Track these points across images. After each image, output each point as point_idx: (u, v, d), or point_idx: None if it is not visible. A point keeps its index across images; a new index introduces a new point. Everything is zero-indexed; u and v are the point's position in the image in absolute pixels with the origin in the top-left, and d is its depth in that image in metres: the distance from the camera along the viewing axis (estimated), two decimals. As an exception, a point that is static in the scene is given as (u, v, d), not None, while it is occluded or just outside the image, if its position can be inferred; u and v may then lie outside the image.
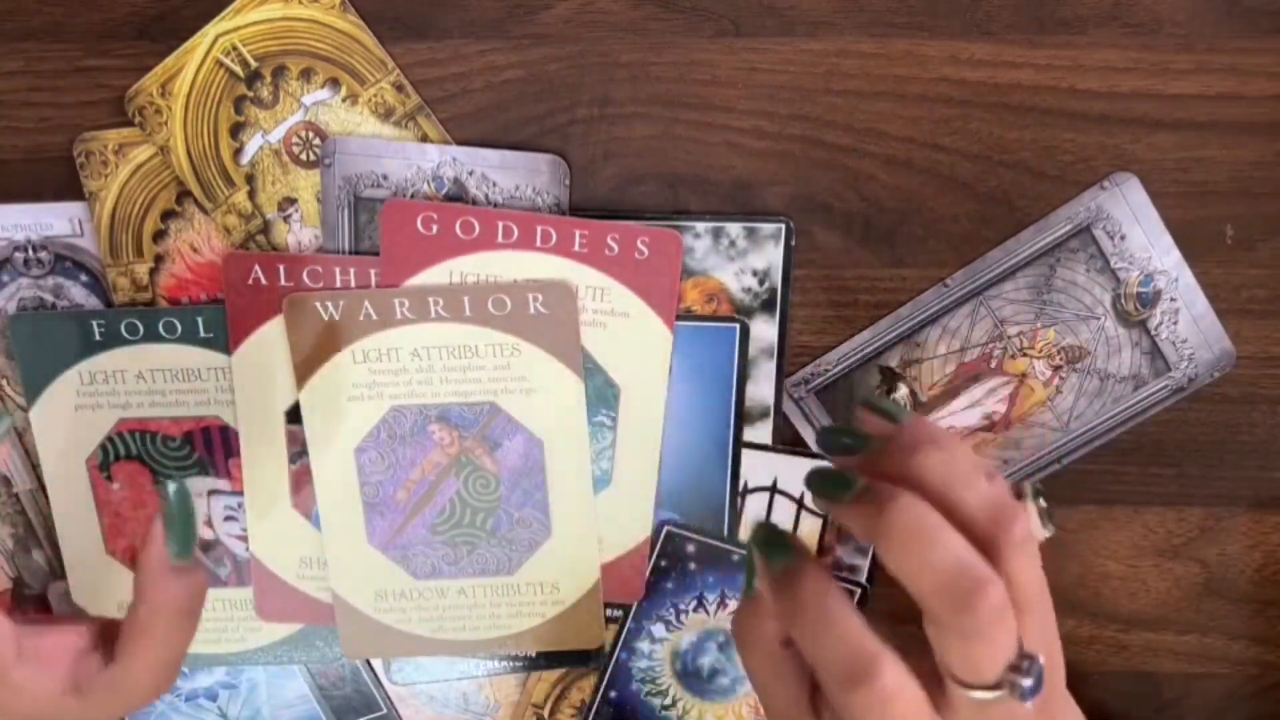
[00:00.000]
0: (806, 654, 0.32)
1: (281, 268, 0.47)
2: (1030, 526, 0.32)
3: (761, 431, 0.49)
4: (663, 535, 0.50)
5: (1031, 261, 0.48)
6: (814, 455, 0.49)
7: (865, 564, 0.50)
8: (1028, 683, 0.30)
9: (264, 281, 0.47)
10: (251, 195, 0.47)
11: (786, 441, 0.50)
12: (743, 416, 0.49)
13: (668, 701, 0.52)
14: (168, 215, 0.47)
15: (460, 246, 0.46)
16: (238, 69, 0.46)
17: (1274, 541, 0.51)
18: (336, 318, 0.46)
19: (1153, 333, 0.49)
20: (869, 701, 0.30)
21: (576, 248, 0.46)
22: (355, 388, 0.47)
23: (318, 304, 0.46)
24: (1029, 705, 0.30)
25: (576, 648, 0.51)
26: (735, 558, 0.50)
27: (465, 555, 0.49)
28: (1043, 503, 0.34)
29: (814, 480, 0.33)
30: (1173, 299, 0.48)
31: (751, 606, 0.34)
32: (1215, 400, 0.50)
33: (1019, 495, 0.33)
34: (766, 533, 0.33)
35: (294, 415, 0.48)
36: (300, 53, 0.46)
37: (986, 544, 0.30)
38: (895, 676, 0.30)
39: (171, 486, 0.37)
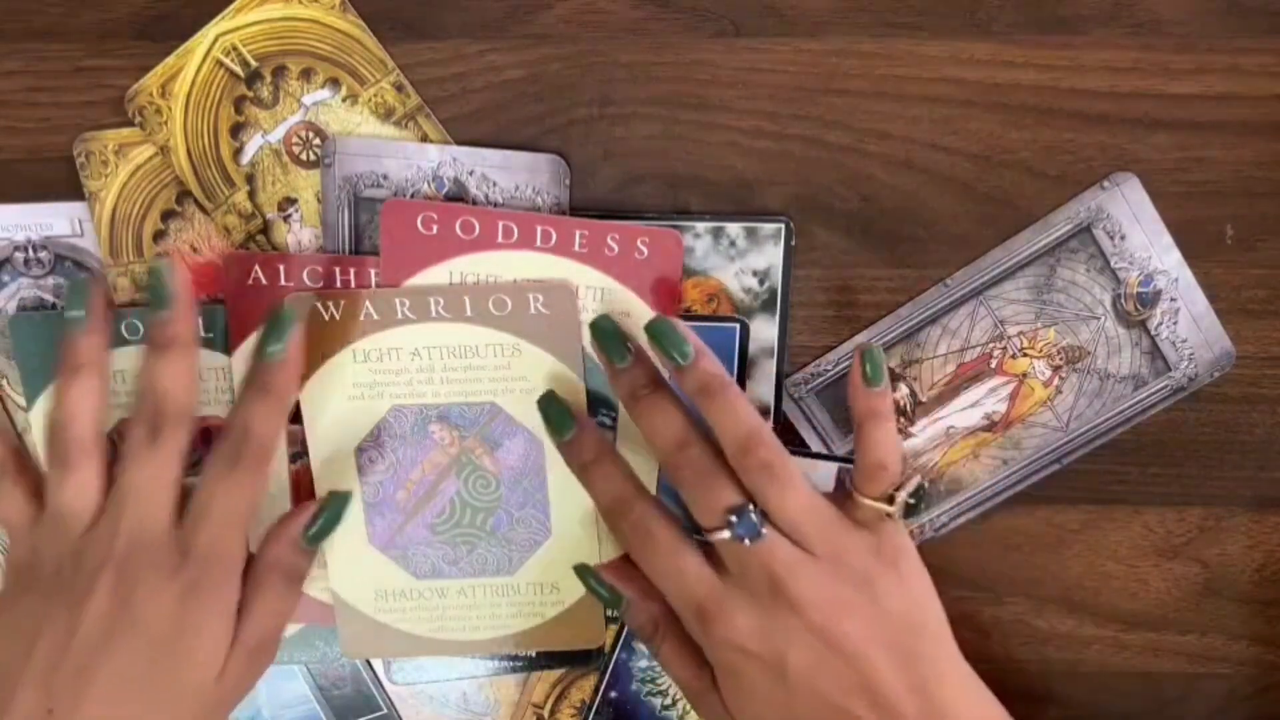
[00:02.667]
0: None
1: (281, 268, 0.47)
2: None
3: (761, 431, 0.49)
4: (663, 535, 0.50)
5: (1031, 261, 0.48)
6: (814, 455, 0.49)
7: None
8: (736, 519, 0.41)
9: (264, 281, 0.47)
10: (251, 195, 0.47)
11: (786, 441, 0.50)
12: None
13: (668, 701, 0.52)
14: (168, 215, 0.47)
15: (460, 246, 0.46)
16: (238, 69, 0.46)
17: (1274, 541, 0.51)
18: (337, 317, 0.46)
19: (1153, 333, 0.49)
20: (630, 527, 0.43)
21: (576, 247, 0.46)
22: (356, 387, 0.47)
23: (318, 304, 0.46)
24: (747, 544, 0.40)
25: (576, 648, 0.51)
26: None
27: (465, 555, 0.49)
28: (908, 499, 0.43)
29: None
30: (1173, 299, 0.48)
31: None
32: (1215, 400, 0.50)
33: (898, 486, 0.43)
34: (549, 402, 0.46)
35: (294, 415, 0.48)
36: (300, 53, 0.46)
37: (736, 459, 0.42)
38: (644, 509, 0.43)
39: (339, 496, 0.46)
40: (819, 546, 0.41)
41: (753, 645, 0.41)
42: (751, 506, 0.41)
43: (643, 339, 0.44)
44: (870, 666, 0.40)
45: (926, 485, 0.42)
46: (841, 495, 0.43)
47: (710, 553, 0.42)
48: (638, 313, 0.47)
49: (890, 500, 0.42)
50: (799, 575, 0.40)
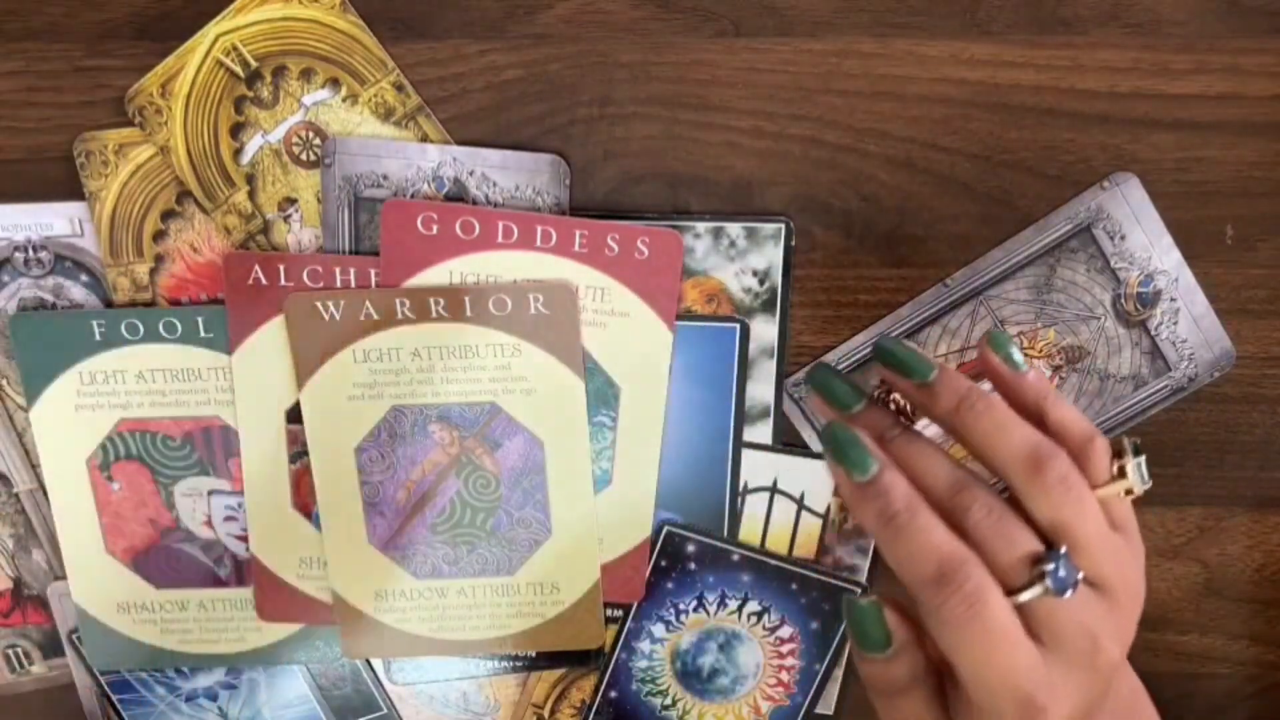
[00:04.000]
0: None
1: (281, 268, 0.47)
2: (1104, 467, 0.35)
3: (761, 431, 0.49)
4: (663, 535, 0.50)
5: (1031, 261, 0.48)
6: (814, 455, 0.49)
7: (865, 564, 0.50)
8: (1051, 567, 0.32)
9: (264, 281, 0.47)
10: (251, 195, 0.47)
11: (786, 441, 0.50)
12: (743, 416, 0.49)
13: (668, 701, 0.52)
14: (168, 215, 0.47)
15: (460, 246, 0.46)
16: (238, 69, 0.46)
17: (1274, 541, 0.51)
18: (337, 317, 0.46)
19: (1153, 333, 0.49)
20: (962, 601, 0.32)
21: (577, 248, 0.46)
22: (356, 387, 0.47)
23: (318, 304, 0.46)
24: (1068, 595, 0.32)
25: (576, 648, 0.51)
26: (735, 557, 0.50)
27: (465, 555, 0.49)
28: (1143, 459, 0.35)
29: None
30: (1173, 299, 0.48)
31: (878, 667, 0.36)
32: (1215, 400, 0.50)
33: (1118, 452, 0.35)
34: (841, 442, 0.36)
35: (294, 415, 0.48)
36: (300, 53, 0.46)
37: (1024, 479, 0.34)
38: (981, 576, 0.33)
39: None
40: (1114, 577, 0.34)
41: None
42: (1064, 551, 0.33)
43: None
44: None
45: (1138, 440, 0.35)
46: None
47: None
48: (637, 313, 0.47)
49: (1122, 472, 0.34)
50: (1109, 627, 0.33)
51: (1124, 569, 0.34)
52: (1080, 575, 0.33)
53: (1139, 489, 0.35)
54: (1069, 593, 0.32)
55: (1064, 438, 0.35)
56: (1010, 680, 0.32)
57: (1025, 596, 0.32)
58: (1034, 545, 0.33)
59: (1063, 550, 0.33)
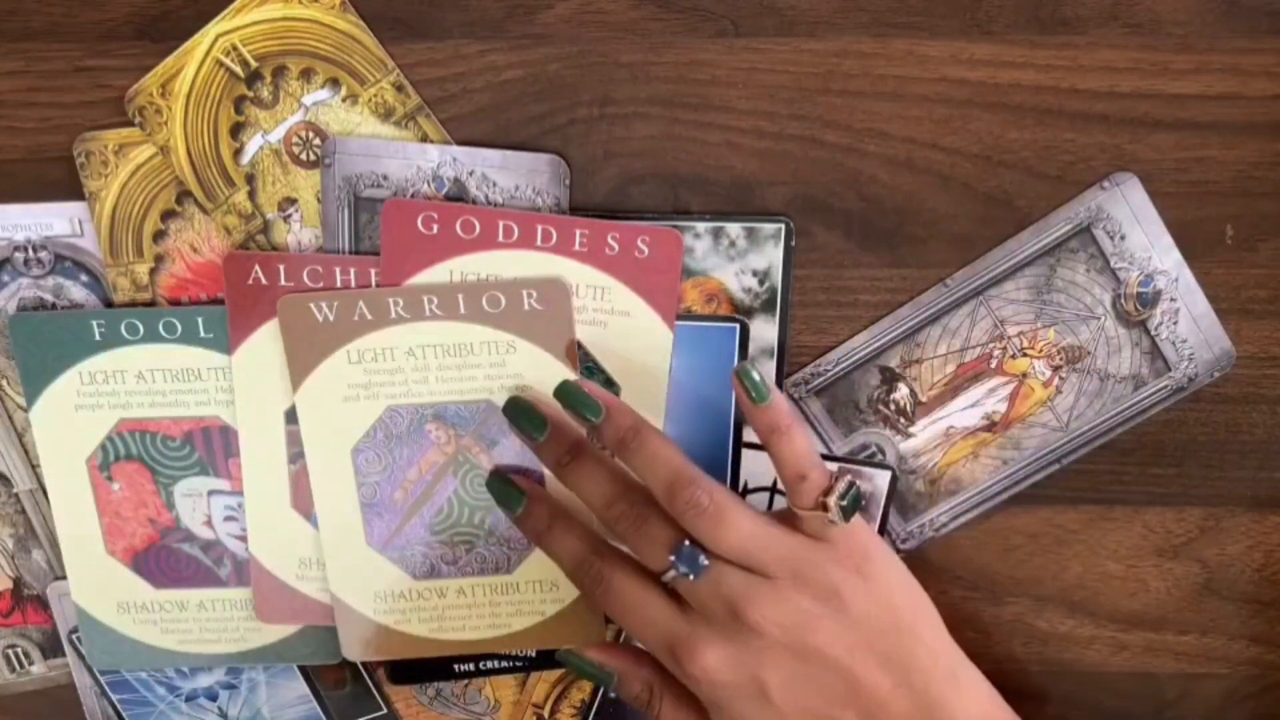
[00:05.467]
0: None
1: (281, 268, 0.47)
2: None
3: (761, 431, 0.49)
4: (662, 535, 0.50)
5: (1031, 261, 0.48)
6: (814, 455, 0.50)
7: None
8: (674, 559, 0.42)
9: (264, 281, 0.47)
10: (251, 195, 0.47)
11: (786, 441, 0.50)
12: (743, 417, 0.49)
13: (667, 701, 0.52)
14: (168, 215, 0.47)
15: (460, 246, 0.46)
16: (238, 69, 0.46)
17: (1274, 541, 0.51)
18: (331, 318, 0.46)
19: (1153, 333, 0.49)
20: (592, 584, 0.45)
21: (577, 247, 0.46)
22: (351, 388, 0.47)
23: (312, 305, 0.46)
24: (693, 579, 0.42)
25: (577, 646, 0.51)
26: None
27: (464, 554, 0.49)
28: (849, 499, 0.42)
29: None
30: (1173, 299, 0.48)
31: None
32: (1215, 400, 0.49)
33: (827, 491, 0.42)
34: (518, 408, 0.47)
35: (294, 415, 0.48)
36: (300, 53, 0.46)
37: (666, 503, 0.43)
38: (603, 564, 0.45)
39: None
40: (773, 568, 0.42)
41: (726, 675, 0.42)
42: (687, 542, 0.42)
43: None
44: (851, 673, 0.41)
45: (858, 484, 0.42)
46: (786, 512, 0.44)
47: (679, 597, 0.43)
48: (637, 312, 0.47)
49: (824, 507, 0.42)
50: (755, 599, 0.41)
51: (790, 562, 0.41)
52: (706, 563, 0.42)
53: (840, 521, 0.41)
54: (695, 576, 0.42)
55: (782, 466, 0.42)
56: (650, 630, 0.43)
57: (665, 577, 0.42)
58: (668, 537, 0.42)
59: (687, 542, 0.42)
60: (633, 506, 0.43)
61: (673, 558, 0.42)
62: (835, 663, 0.41)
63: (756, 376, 0.42)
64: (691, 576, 0.42)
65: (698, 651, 0.42)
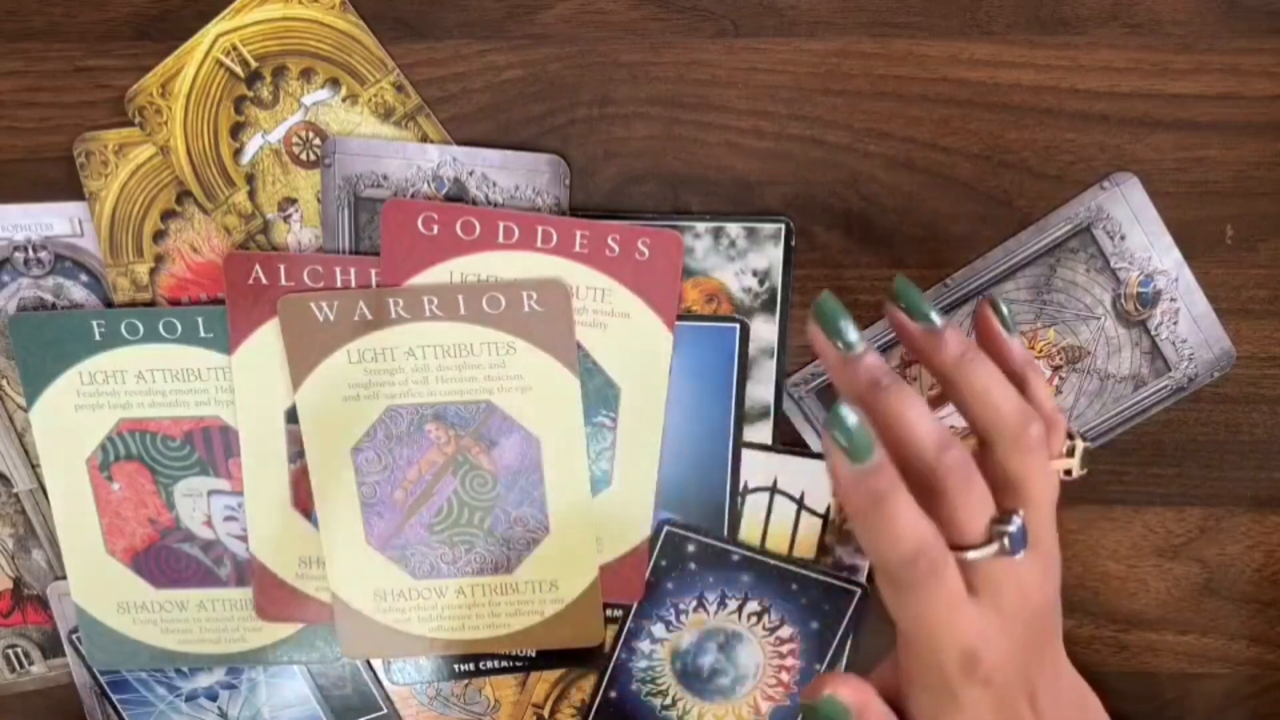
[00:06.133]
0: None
1: (281, 268, 0.47)
2: (1058, 446, 0.37)
3: (761, 431, 0.49)
4: (663, 535, 0.50)
5: (1031, 261, 0.48)
6: (815, 455, 0.49)
7: (865, 564, 0.50)
8: (1011, 529, 0.33)
9: (264, 281, 0.47)
10: (251, 195, 0.47)
11: (786, 441, 0.50)
12: (743, 416, 0.49)
13: (668, 701, 0.52)
14: (168, 215, 0.47)
15: (461, 246, 0.46)
16: (238, 69, 0.46)
17: (1274, 541, 0.51)
18: (331, 318, 0.46)
19: (1153, 333, 0.49)
20: (922, 575, 0.33)
21: (577, 248, 0.46)
22: (351, 388, 0.47)
23: (312, 304, 0.46)
24: (1019, 557, 0.33)
25: (576, 645, 0.51)
26: (735, 557, 0.50)
27: (464, 554, 0.49)
28: (1088, 446, 0.38)
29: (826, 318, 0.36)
30: (1173, 299, 0.48)
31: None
32: (1215, 400, 0.49)
33: (1069, 435, 0.38)
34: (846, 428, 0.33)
35: (294, 415, 0.48)
36: (300, 53, 0.46)
37: (1012, 434, 0.35)
38: (943, 550, 0.33)
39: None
40: (1048, 539, 0.35)
41: (1011, 679, 0.34)
42: (1021, 513, 0.34)
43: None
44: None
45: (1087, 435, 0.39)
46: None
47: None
48: (637, 314, 0.47)
49: (1071, 452, 0.37)
50: (1035, 579, 0.35)
51: (1055, 533, 0.36)
52: (1029, 538, 0.34)
53: (1076, 472, 0.37)
54: (1020, 554, 0.34)
55: (1038, 407, 0.36)
56: (957, 637, 0.33)
57: (978, 554, 0.33)
58: (993, 507, 0.34)
59: (1020, 514, 0.34)
60: (968, 458, 0.34)
61: (1004, 528, 0.33)
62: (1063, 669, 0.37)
63: (1009, 316, 0.38)
64: (1020, 555, 0.33)
65: (996, 654, 0.34)
